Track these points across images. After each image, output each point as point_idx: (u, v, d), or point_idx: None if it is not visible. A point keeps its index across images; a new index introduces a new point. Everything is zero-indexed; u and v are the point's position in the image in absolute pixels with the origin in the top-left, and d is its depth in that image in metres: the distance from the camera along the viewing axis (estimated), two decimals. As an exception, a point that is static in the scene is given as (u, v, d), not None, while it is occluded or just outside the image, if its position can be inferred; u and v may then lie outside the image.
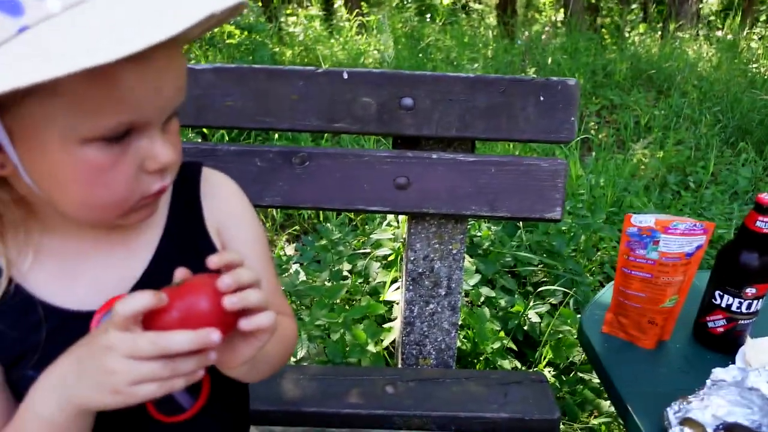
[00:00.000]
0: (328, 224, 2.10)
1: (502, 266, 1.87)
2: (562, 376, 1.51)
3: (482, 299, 1.65)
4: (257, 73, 1.04)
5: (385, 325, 1.45)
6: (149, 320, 0.47)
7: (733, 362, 0.90)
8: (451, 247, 1.16)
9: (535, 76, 1.03)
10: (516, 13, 8.28)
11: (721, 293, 0.94)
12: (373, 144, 2.81)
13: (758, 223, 0.88)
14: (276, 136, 2.78)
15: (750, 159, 2.96)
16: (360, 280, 1.77)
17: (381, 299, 1.52)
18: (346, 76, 1.05)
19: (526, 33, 6.36)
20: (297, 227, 2.39)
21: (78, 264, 0.57)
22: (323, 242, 1.87)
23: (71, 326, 0.54)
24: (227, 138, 2.58)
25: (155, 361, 0.46)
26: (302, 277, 1.67)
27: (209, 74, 1.06)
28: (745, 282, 0.91)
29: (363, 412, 1.04)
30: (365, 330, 1.34)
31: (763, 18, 8.44)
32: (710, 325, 0.97)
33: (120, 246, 0.59)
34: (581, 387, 1.43)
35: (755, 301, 0.92)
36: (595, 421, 1.37)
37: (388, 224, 1.87)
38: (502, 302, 1.67)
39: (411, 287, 1.18)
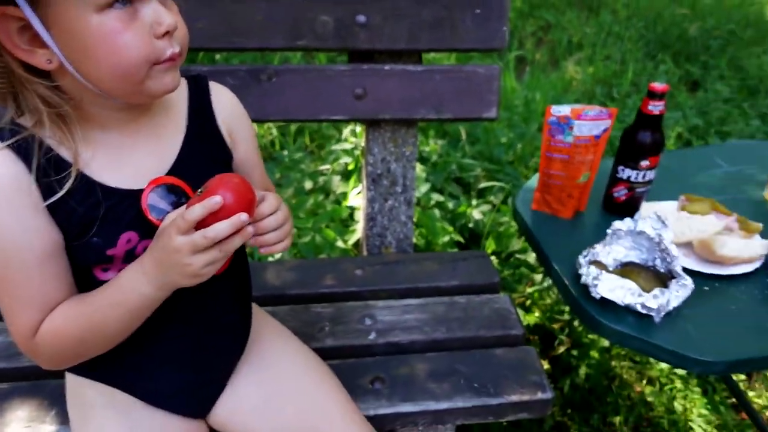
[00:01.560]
0: (286, 151, 2.22)
1: (449, 175, 2.07)
2: (504, 263, 1.76)
3: (432, 203, 1.85)
4: (222, -3, 1.14)
5: (350, 228, 1.63)
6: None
7: (632, 222, 1.14)
8: (404, 149, 1.33)
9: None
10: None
11: (623, 168, 1.16)
12: (327, 62, 2.89)
13: (650, 107, 1.09)
14: (236, 60, 2.82)
15: (668, 69, 3.23)
16: (322, 196, 1.93)
17: (344, 205, 1.70)
18: (304, -4, 1.16)
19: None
20: (256, 154, 2.50)
21: (124, 155, 0.73)
22: (286, 164, 2.01)
23: (125, 202, 0.71)
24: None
25: (212, 249, 0.65)
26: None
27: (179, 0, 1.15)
28: (641, 156, 1.13)
29: (338, 290, 1.24)
30: (335, 231, 1.52)
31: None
32: (615, 195, 1.20)
33: (155, 139, 0.75)
34: (519, 267, 1.69)
35: (649, 172, 1.15)
36: (530, 290, 1.64)
37: (345, 140, 2.02)
38: (450, 205, 1.89)
39: (372, 187, 1.36)
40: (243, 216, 0.65)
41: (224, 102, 0.84)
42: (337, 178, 1.83)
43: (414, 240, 1.73)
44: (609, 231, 1.05)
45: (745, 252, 1.04)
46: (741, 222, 1.11)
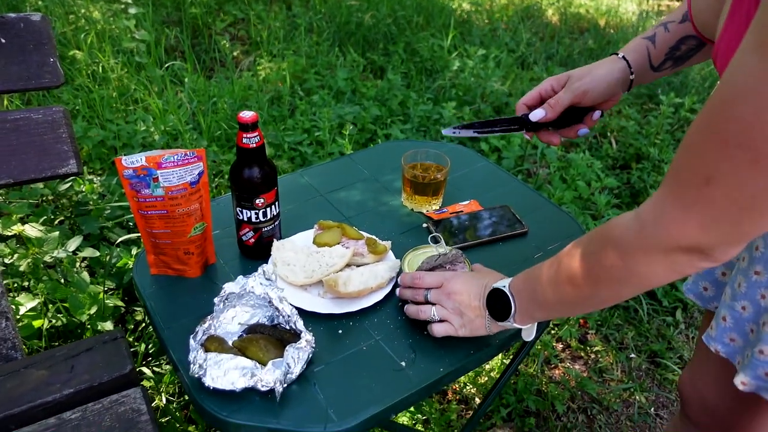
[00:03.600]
0: None
1: (109, 218, 1.73)
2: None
3: (81, 264, 1.51)
4: None
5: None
6: None
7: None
8: (-39, 230, 0.97)
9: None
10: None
11: (241, 209, 1.00)
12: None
13: (245, 140, 0.94)
14: None
15: (353, 60, 3.31)
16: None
17: None
18: None
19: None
20: None
21: None
22: None
23: None
24: None
25: None
26: None
27: None
28: (253, 194, 0.98)
29: None
30: None
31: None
32: (244, 238, 1.04)
33: None
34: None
35: (269, 209, 1.01)
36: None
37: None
38: (108, 258, 1.56)
39: (-76, 290, 0.97)
40: None
41: None
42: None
43: (48, 324, 1.37)
44: (217, 299, 0.87)
45: (372, 281, 0.96)
46: (370, 244, 1.04)
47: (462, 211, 1.20)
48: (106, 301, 1.39)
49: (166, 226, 0.95)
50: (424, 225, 1.17)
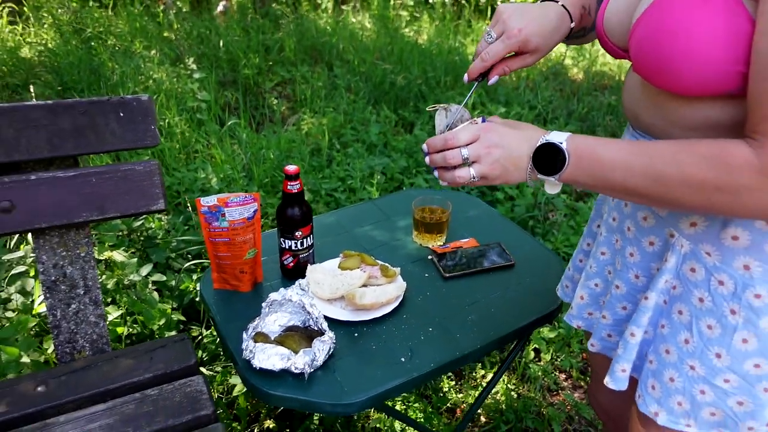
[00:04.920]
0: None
1: (174, 250, 2.07)
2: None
3: (151, 287, 1.83)
4: None
5: (47, 337, 1.53)
6: None
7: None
8: (78, 251, 1.31)
9: (113, 95, 1.22)
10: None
11: (284, 239, 1.31)
12: None
13: (288, 187, 1.25)
14: None
15: (386, 116, 3.68)
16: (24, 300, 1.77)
17: (33, 312, 1.59)
18: None
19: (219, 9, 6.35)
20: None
21: None
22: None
23: None
24: None
25: None
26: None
27: None
28: (294, 228, 1.29)
29: (14, 415, 1.15)
30: (20, 345, 1.41)
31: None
32: (285, 263, 1.34)
33: None
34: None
35: (305, 239, 1.31)
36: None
37: (13, 248, 1.88)
38: (173, 283, 1.89)
39: (49, 294, 1.30)
40: None
41: None
42: (31, 282, 1.70)
43: (127, 331, 1.69)
44: (264, 304, 1.17)
45: (383, 297, 1.24)
46: (383, 269, 1.32)
47: (461, 246, 1.47)
48: (171, 316, 1.71)
49: (228, 250, 1.26)
50: (429, 257, 1.45)
